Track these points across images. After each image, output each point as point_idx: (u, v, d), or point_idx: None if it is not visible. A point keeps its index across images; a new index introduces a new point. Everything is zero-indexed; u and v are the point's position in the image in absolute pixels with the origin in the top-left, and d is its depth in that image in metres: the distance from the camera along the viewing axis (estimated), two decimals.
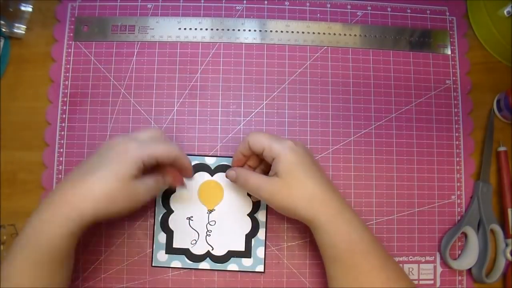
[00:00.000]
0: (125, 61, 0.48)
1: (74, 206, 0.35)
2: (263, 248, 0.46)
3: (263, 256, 0.46)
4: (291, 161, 0.38)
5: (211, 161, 0.47)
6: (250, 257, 0.45)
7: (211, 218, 0.46)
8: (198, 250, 0.45)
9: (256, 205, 0.46)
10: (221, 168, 0.46)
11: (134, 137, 0.39)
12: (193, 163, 0.46)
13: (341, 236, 0.38)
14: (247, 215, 0.46)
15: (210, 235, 0.46)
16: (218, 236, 0.46)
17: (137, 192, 0.38)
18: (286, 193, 0.38)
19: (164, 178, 0.42)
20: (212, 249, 0.45)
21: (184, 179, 0.45)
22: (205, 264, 0.45)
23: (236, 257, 0.45)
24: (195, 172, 0.46)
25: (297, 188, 0.38)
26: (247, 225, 0.46)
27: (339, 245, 0.38)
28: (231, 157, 0.46)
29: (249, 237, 0.46)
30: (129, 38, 0.49)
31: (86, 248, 0.45)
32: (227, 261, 0.45)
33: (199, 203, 0.46)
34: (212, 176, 0.46)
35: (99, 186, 0.36)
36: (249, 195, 0.46)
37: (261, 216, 0.46)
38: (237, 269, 0.45)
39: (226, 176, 0.43)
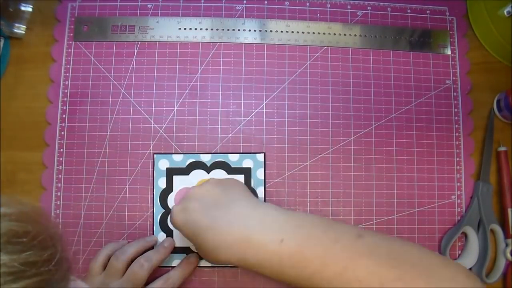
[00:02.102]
0: (125, 61, 0.48)
1: None
2: None
3: None
4: (182, 219, 0.38)
5: (206, 158, 0.47)
6: None
7: None
8: None
9: None
10: (217, 165, 0.47)
11: None
12: (189, 161, 0.47)
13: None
14: None
15: None
16: None
17: None
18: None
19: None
20: None
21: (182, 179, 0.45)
22: (205, 262, 0.45)
23: None
24: (191, 170, 0.46)
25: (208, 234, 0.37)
26: None
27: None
28: (226, 153, 0.46)
29: None
30: (129, 38, 0.49)
31: (86, 249, 0.45)
32: None
33: None
34: (208, 173, 0.47)
35: None
36: None
37: None
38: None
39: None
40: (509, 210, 0.47)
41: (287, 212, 0.37)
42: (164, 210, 0.46)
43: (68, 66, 0.48)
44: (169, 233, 0.46)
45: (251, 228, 0.35)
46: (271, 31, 0.49)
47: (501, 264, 0.46)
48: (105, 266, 0.42)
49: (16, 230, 0.22)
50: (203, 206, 0.37)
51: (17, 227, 0.22)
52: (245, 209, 0.37)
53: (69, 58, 0.48)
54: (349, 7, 0.51)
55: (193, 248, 0.45)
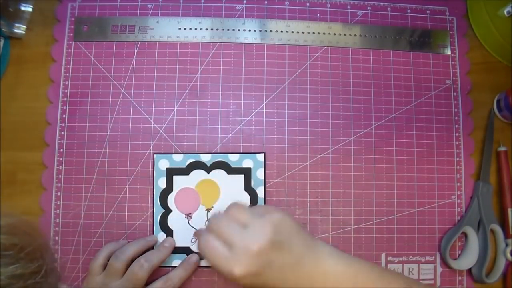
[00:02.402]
0: (125, 61, 0.48)
1: None
2: None
3: None
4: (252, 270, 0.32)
5: (206, 158, 0.47)
6: None
7: (209, 216, 0.46)
8: None
9: (254, 200, 0.46)
10: (217, 165, 0.47)
11: None
12: (189, 161, 0.47)
13: None
14: None
15: None
16: None
17: None
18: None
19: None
20: None
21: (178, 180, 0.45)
22: (206, 262, 0.45)
23: None
24: (191, 170, 0.46)
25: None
26: None
27: None
28: (226, 153, 0.46)
29: None
30: (129, 38, 0.49)
31: (86, 248, 0.45)
32: None
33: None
34: (208, 173, 0.47)
35: None
36: (246, 190, 0.46)
37: None
38: None
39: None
40: (509, 210, 0.47)
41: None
42: (164, 210, 0.46)
43: (68, 66, 0.48)
44: (169, 233, 0.46)
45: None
46: (271, 31, 0.49)
47: (501, 264, 0.46)
48: (105, 266, 0.42)
49: (3, 243, 0.22)
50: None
51: (4, 240, 0.22)
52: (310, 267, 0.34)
53: (69, 58, 0.48)
54: (349, 7, 0.51)
55: (193, 249, 0.45)
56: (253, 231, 0.32)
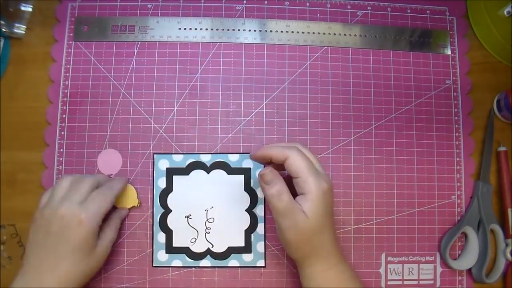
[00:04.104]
0: (125, 61, 0.48)
1: None
2: (263, 243, 0.46)
3: (263, 251, 0.46)
4: (320, 207, 0.37)
5: (206, 159, 0.47)
6: (251, 252, 0.46)
7: (209, 216, 0.46)
8: (198, 248, 0.45)
9: (253, 200, 0.46)
10: (217, 165, 0.47)
11: (74, 200, 0.38)
12: (189, 161, 0.47)
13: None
14: (245, 210, 0.46)
15: (209, 232, 0.46)
16: (218, 233, 0.46)
17: (103, 251, 0.40)
18: (305, 231, 0.37)
19: (119, 213, 0.44)
20: (212, 246, 0.46)
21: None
22: (206, 262, 0.45)
23: (237, 253, 0.46)
24: (191, 170, 0.46)
25: (315, 233, 0.38)
26: (246, 221, 0.46)
27: None
28: (226, 153, 0.46)
29: (249, 232, 0.46)
30: (129, 38, 0.49)
31: None
32: (227, 258, 0.45)
33: (197, 201, 0.46)
34: (208, 173, 0.47)
35: (67, 278, 0.37)
36: (246, 191, 0.46)
37: (259, 211, 0.46)
38: (238, 265, 0.45)
39: (259, 175, 0.39)
40: (509, 210, 0.47)
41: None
42: (163, 210, 0.46)
43: (68, 66, 0.48)
44: (168, 233, 0.46)
45: None
46: (271, 31, 0.49)
47: (501, 264, 0.46)
48: None
49: None
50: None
51: None
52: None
53: (69, 58, 0.48)
54: (349, 7, 0.51)
55: (193, 249, 0.45)
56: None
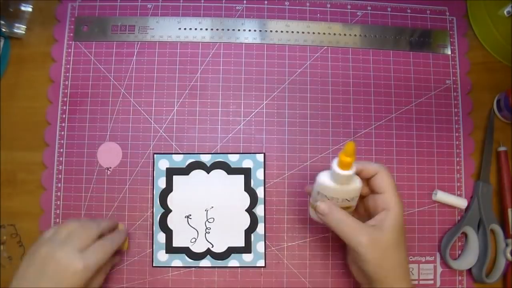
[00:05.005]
0: (125, 61, 0.48)
1: None
2: (263, 242, 0.46)
3: (263, 251, 0.46)
4: (401, 223, 0.38)
5: (206, 159, 0.47)
6: (251, 252, 0.46)
7: (209, 216, 0.46)
8: (198, 248, 0.45)
9: (253, 201, 0.46)
10: (217, 165, 0.47)
11: (76, 246, 0.37)
12: (189, 161, 0.47)
13: None
14: (245, 210, 0.46)
15: (209, 232, 0.46)
16: (218, 233, 0.46)
17: None
18: (383, 247, 0.37)
19: (113, 259, 0.43)
20: (212, 246, 0.46)
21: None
22: (206, 262, 0.45)
23: (237, 253, 0.46)
24: (191, 170, 0.46)
25: (393, 251, 0.37)
26: (246, 221, 0.46)
27: None
28: (226, 153, 0.46)
29: (248, 232, 0.46)
30: (129, 38, 0.49)
31: None
32: (227, 258, 0.45)
33: (197, 201, 0.46)
34: (208, 173, 0.47)
35: None
36: (246, 191, 0.46)
37: (259, 211, 0.46)
38: (238, 265, 0.45)
39: (315, 209, 0.39)
40: (509, 210, 0.47)
41: None
42: (163, 210, 0.46)
43: (68, 66, 0.48)
44: (168, 233, 0.46)
45: None
46: (271, 31, 0.49)
47: (501, 264, 0.46)
48: None
49: None
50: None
51: None
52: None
53: (69, 58, 0.48)
54: (349, 7, 0.51)
55: (193, 249, 0.45)
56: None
